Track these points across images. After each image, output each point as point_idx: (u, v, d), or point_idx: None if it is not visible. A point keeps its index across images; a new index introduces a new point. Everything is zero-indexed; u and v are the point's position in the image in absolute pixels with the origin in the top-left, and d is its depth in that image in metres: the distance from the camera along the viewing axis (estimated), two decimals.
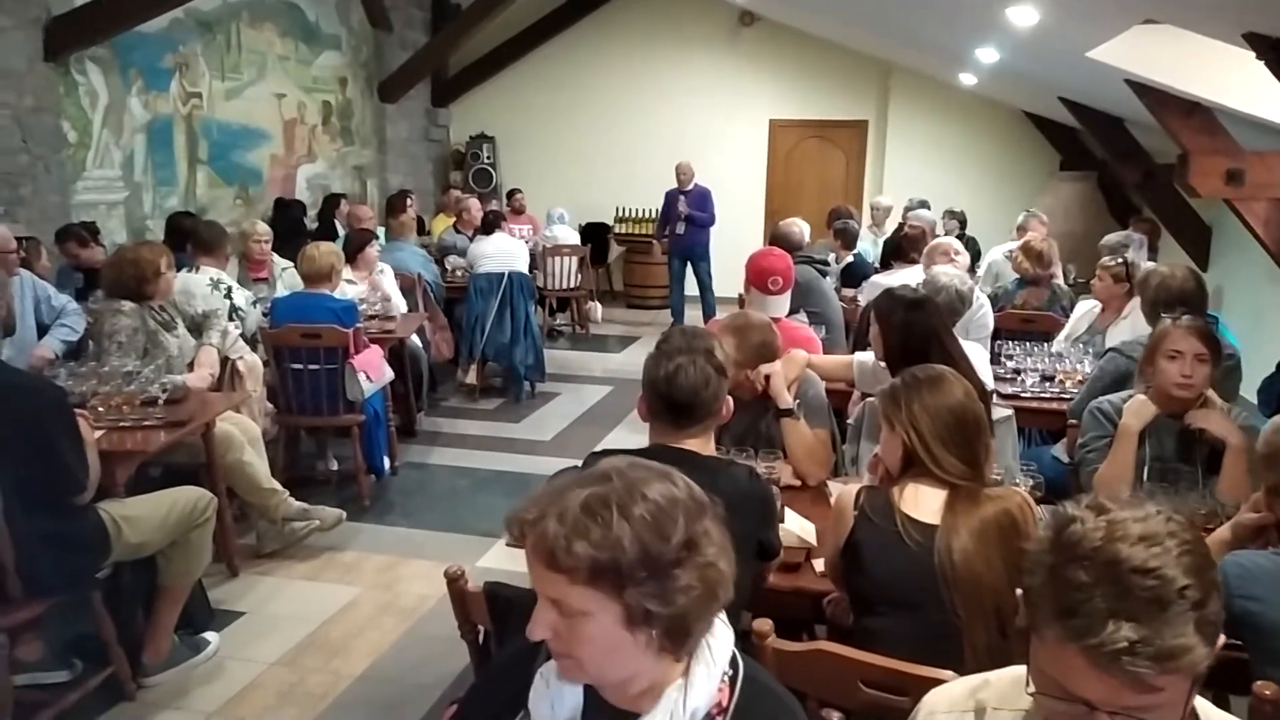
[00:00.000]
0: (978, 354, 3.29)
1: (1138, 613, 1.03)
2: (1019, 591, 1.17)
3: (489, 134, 11.04)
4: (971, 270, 5.80)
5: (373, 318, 5.44)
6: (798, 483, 2.81)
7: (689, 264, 8.89)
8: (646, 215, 10.57)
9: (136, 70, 6.66)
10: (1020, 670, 1.24)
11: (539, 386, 7.10)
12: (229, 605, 3.74)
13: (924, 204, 8.10)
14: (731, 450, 2.65)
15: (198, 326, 4.33)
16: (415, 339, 5.94)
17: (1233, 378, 3.49)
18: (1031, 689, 1.14)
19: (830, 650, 1.78)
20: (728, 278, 7.21)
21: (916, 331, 2.82)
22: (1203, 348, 2.70)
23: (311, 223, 8.15)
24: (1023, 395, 3.88)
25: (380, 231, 7.51)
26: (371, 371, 4.72)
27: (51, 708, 2.86)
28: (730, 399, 2.19)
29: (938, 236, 5.94)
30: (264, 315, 4.98)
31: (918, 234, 5.61)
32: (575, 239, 9.27)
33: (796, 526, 2.39)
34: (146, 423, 3.47)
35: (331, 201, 8.18)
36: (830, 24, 9.28)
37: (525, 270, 7.03)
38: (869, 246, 7.40)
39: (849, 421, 3.11)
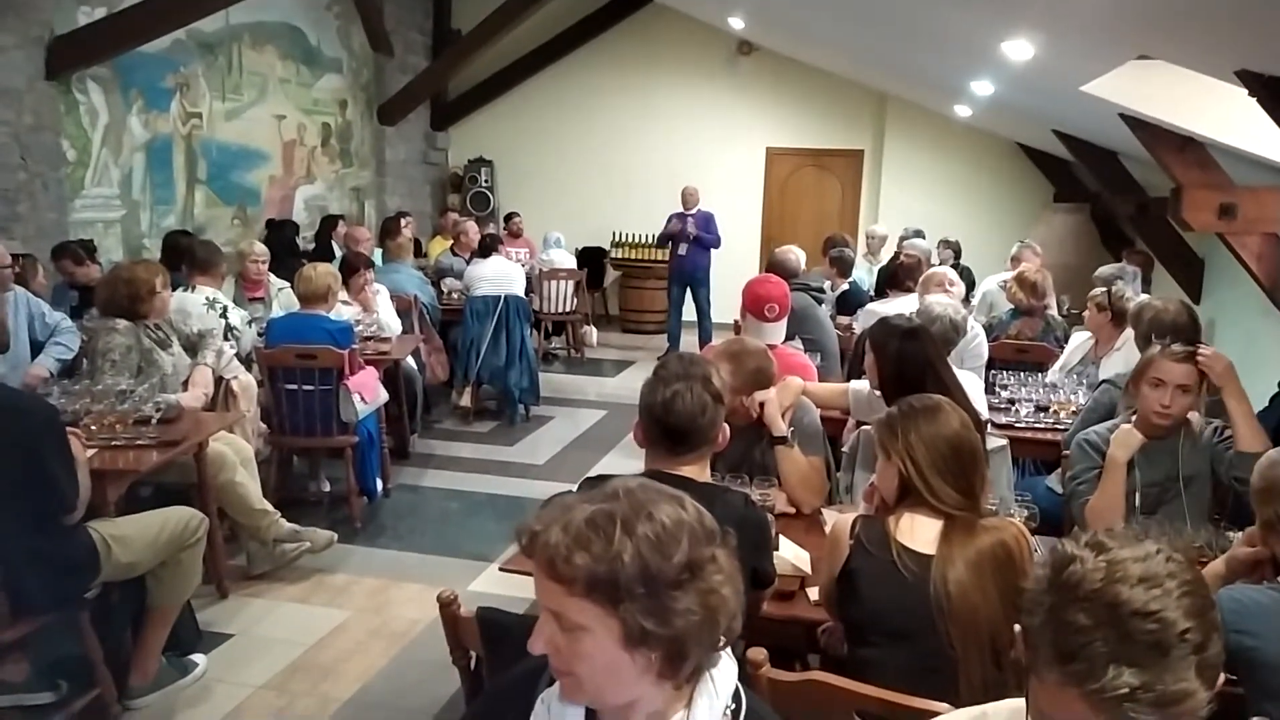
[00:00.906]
0: (972, 383, 3.30)
1: (1139, 657, 1.02)
2: (1017, 629, 1.16)
3: (487, 158, 11.09)
4: (966, 300, 5.83)
5: (368, 339, 5.43)
6: (792, 510, 2.81)
7: (689, 289, 8.92)
8: (643, 240, 10.62)
9: (137, 90, 6.69)
10: (1018, 703, 1.23)
11: (533, 410, 7.09)
12: (218, 627, 3.71)
13: (919, 233, 8.14)
14: (726, 477, 2.65)
15: (193, 346, 4.32)
16: (410, 361, 5.93)
17: (1225, 411, 3.50)
18: None
19: (825, 680, 1.77)
20: (724, 304, 7.24)
21: (911, 360, 2.83)
22: (1187, 377, 2.73)
23: (308, 243, 8.16)
24: (1017, 425, 3.89)
25: (377, 253, 7.53)
26: (366, 393, 4.71)
27: None
28: (726, 426, 2.19)
29: (933, 266, 5.97)
30: (259, 335, 4.97)
31: (913, 263, 5.64)
32: (571, 263, 9.31)
33: (791, 555, 2.38)
34: (139, 442, 3.46)
35: (329, 223, 8.19)
36: (827, 54, 9.38)
37: (521, 293, 7.05)
38: (864, 275, 7.43)
39: (844, 449, 3.12)
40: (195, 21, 6.79)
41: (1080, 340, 4.62)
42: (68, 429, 2.93)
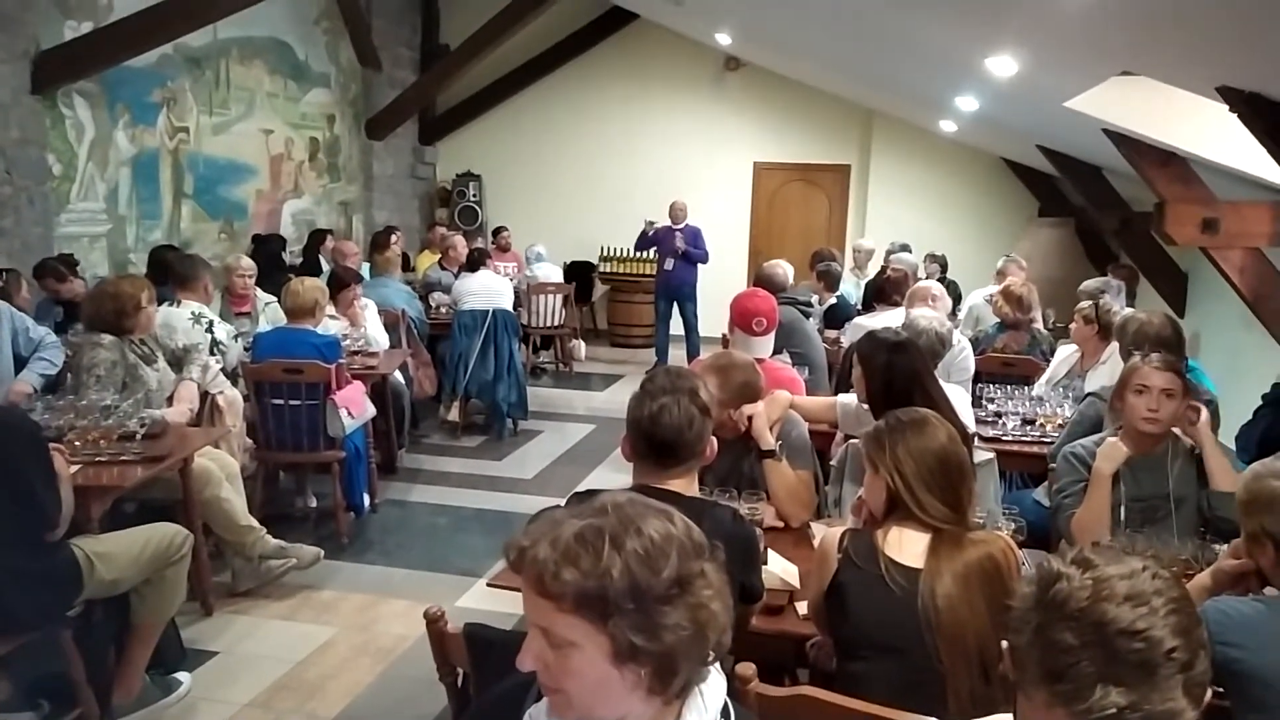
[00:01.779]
0: (959, 397, 3.31)
1: (1126, 677, 1.02)
2: (1005, 645, 1.16)
3: (475, 172, 11.10)
4: (952, 314, 5.86)
5: (355, 353, 5.42)
6: (781, 524, 2.80)
7: (675, 304, 8.93)
8: (631, 254, 10.64)
9: (124, 104, 6.67)
10: (1006, 719, 1.23)
11: (522, 424, 7.08)
12: (202, 644, 3.67)
13: (905, 247, 8.18)
14: (715, 491, 2.64)
15: (178, 360, 4.29)
16: (398, 375, 5.91)
17: (1211, 423, 3.52)
18: None
19: (813, 695, 1.76)
20: (712, 318, 7.24)
21: (899, 374, 2.84)
22: (1170, 383, 2.74)
23: (295, 258, 8.14)
24: (1004, 438, 3.90)
25: (365, 267, 7.51)
26: (353, 407, 4.69)
27: None
28: (714, 440, 2.19)
29: (919, 280, 6.00)
30: (246, 350, 4.95)
31: (900, 277, 5.67)
32: (558, 276, 9.32)
33: (779, 569, 2.38)
34: (123, 458, 3.43)
35: (317, 237, 8.17)
36: (813, 70, 9.44)
37: (509, 308, 7.04)
38: (851, 289, 7.47)
39: (832, 463, 3.12)
40: (182, 36, 6.78)
41: (1066, 354, 4.65)
42: (51, 445, 2.90)
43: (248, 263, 5.71)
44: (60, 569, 2.82)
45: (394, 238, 8.10)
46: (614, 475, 5.76)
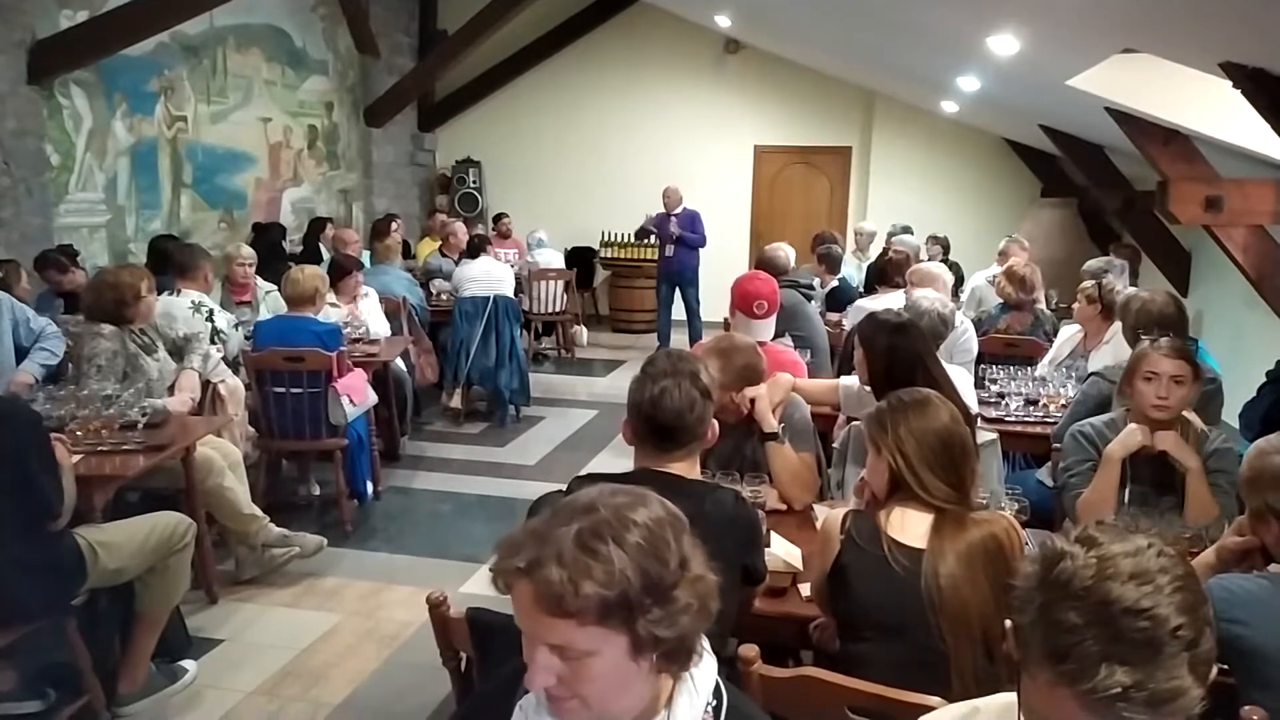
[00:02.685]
0: (962, 378, 3.30)
1: (1130, 656, 1.01)
2: (1008, 624, 1.15)
3: (475, 158, 11.06)
4: (955, 295, 5.84)
5: (356, 341, 5.41)
6: (783, 507, 2.80)
7: (676, 289, 8.92)
8: (633, 240, 10.62)
9: (121, 94, 6.64)
10: (1009, 698, 1.23)
11: (524, 410, 7.08)
12: (207, 633, 3.68)
13: (907, 229, 8.15)
14: (717, 474, 2.63)
15: (179, 350, 4.29)
16: (399, 362, 5.91)
17: (1214, 401, 3.51)
18: None
19: (817, 676, 1.76)
20: (714, 302, 7.22)
21: (901, 355, 2.83)
22: (1179, 370, 2.72)
23: (295, 246, 8.13)
24: (1007, 419, 3.89)
25: (365, 255, 7.50)
26: (355, 395, 4.69)
27: None
28: (715, 422, 2.18)
29: (921, 261, 5.98)
30: (246, 338, 4.94)
31: (901, 259, 5.64)
32: (559, 262, 9.30)
33: (782, 551, 2.38)
34: (125, 447, 3.43)
35: (317, 225, 8.16)
36: (814, 52, 9.38)
37: (510, 294, 7.03)
38: (853, 271, 7.44)
39: (834, 445, 3.11)
40: (179, 24, 6.75)
41: (1069, 333, 4.64)
42: (53, 435, 2.90)
43: (248, 251, 5.71)
44: (64, 559, 2.83)
45: (394, 225, 8.08)
46: (616, 460, 5.76)
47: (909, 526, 1.97)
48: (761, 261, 5.40)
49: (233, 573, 4.12)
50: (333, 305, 5.37)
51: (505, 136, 11.11)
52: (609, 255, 10.90)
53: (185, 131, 7.34)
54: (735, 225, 10.81)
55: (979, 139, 10.16)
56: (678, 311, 8.94)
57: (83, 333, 3.90)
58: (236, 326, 5.00)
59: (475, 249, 7.12)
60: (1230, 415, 3.84)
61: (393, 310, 6.25)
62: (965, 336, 4.33)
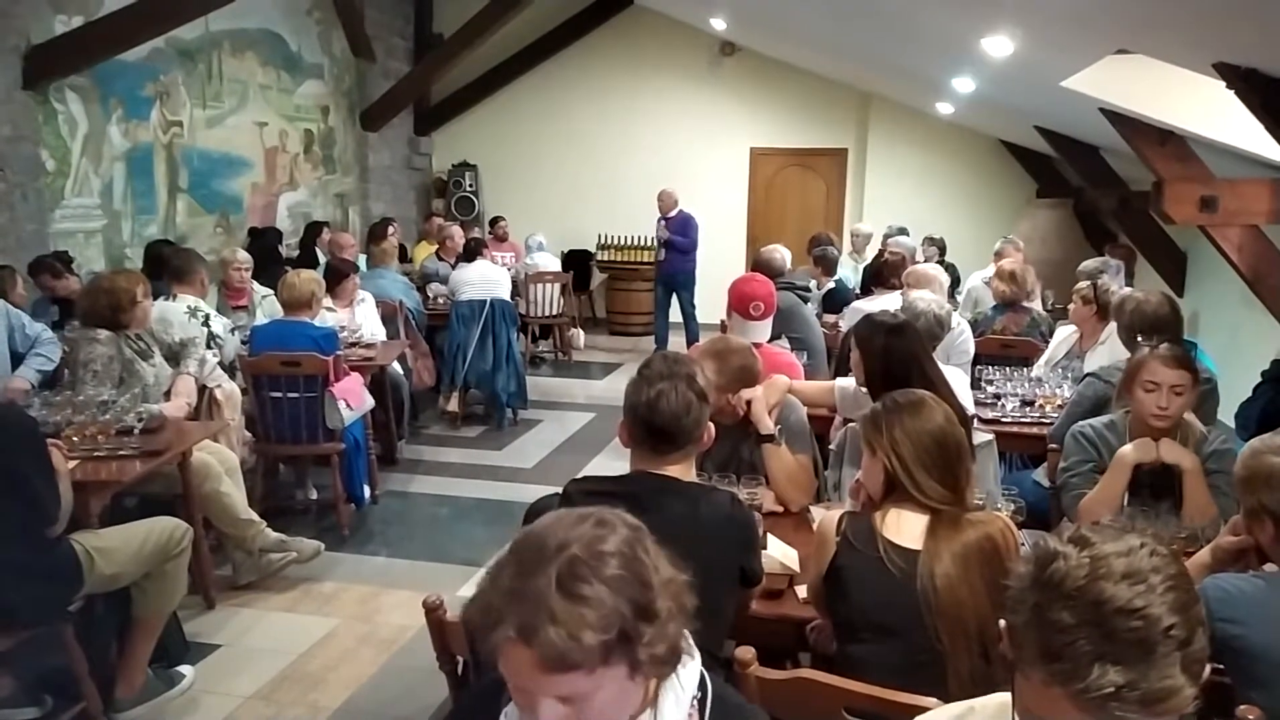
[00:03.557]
0: (958, 379, 3.30)
1: (1123, 655, 1.02)
2: (1003, 624, 1.15)
3: (471, 162, 11.07)
4: (951, 297, 5.85)
5: (353, 345, 5.41)
6: (780, 509, 2.80)
7: (673, 292, 8.92)
8: (629, 242, 10.63)
9: (117, 99, 6.64)
10: (1004, 698, 1.23)
11: (521, 414, 7.07)
12: (204, 638, 3.68)
13: (903, 231, 8.17)
14: (714, 476, 2.64)
15: (175, 355, 4.29)
16: (396, 366, 5.91)
17: (1210, 401, 3.51)
18: None
19: (813, 678, 1.76)
20: (710, 304, 7.24)
21: (897, 357, 2.83)
22: (1180, 379, 2.70)
23: (292, 250, 8.12)
24: (1003, 420, 3.90)
25: (362, 259, 7.50)
26: (352, 399, 4.69)
27: None
28: (712, 425, 2.18)
29: (917, 263, 5.99)
30: (243, 343, 4.94)
31: (898, 260, 5.64)
32: (556, 265, 9.31)
33: (779, 553, 2.38)
34: (122, 452, 3.43)
35: (313, 229, 8.15)
36: (809, 54, 9.40)
37: (507, 297, 7.03)
38: (850, 273, 7.45)
39: (831, 447, 3.11)
40: (174, 29, 6.75)
41: (1065, 334, 4.64)
42: (49, 441, 2.90)
43: (244, 256, 5.71)
44: (60, 564, 2.82)
45: (390, 229, 8.09)
46: (613, 463, 5.76)
47: (904, 528, 1.97)
48: (758, 263, 5.41)
49: (230, 578, 4.11)
50: (329, 309, 5.37)
51: (502, 140, 11.12)
52: (606, 258, 10.91)
53: (181, 136, 7.33)
54: (731, 227, 10.82)
55: (974, 140, 10.17)
56: (675, 314, 8.95)
57: (78, 338, 3.89)
58: (233, 331, 4.99)
59: (472, 252, 7.12)
60: (1226, 415, 3.85)
61: (389, 314, 6.25)
62: (962, 338, 4.34)
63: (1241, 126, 4.38)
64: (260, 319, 5.35)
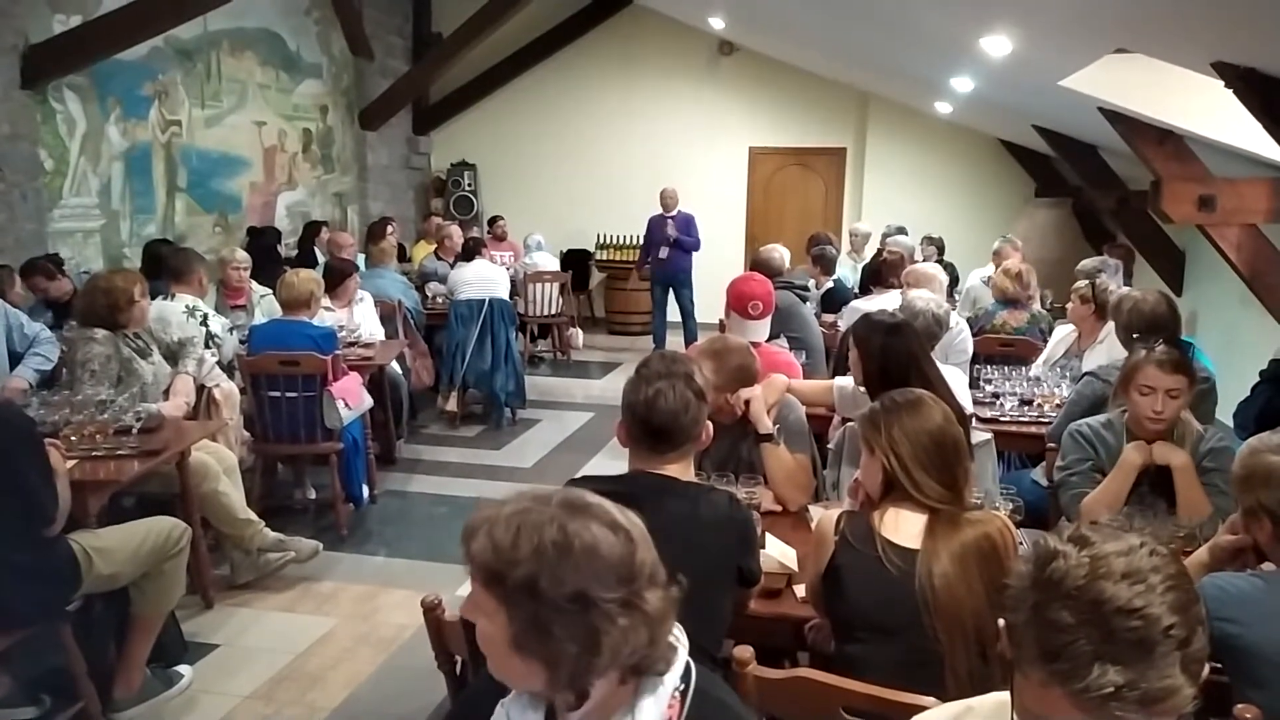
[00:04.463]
0: (957, 378, 3.30)
1: (1123, 655, 1.02)
2: (1001, 624, 1.15)
3: (470, 161, 11.07)
4: (950, 296, 5.85)
5: (352, 344, 5.40)
6: (778, 508, 2.79)
7: (671, 291, 8.91)
8: (628, 242, 10.62)
9: (115, 98, 6.63)
10: (1003, 697, 1.23)
11: (520, 413, 7.07)
12: (203, 637, 3.67)
13: (902, 230, 8.16)
14: (712, 476, 2.64)
15: (173, 354, 4.28)
16: (395, 366, 5.91)
17: (1208, 401, 3.51)
18: None
19: (812, 677, 1.76)
20: (709, 304, 7.23)
21: (895, 356, 2.83)
22: (1176, 384, 2.70)
23: (290, 250, 8.12)
24: (1001, 419, 3.89)
25: (360, 258, 7.49)
26: (350, 399, 4.68)
27: None
28: (710, 424, 2.18)
29: (916, 262, 5.99)
30: (241, 342, 4.94)
31: (896, 259, 5.64)
32: (555, 265, 9.30)
33: (777, 552, 2.38)
34: (120, 452, 3.42)
35: (312, 229, 8.15)
36: (808, 53, 9.40)
37: (506, 297, 7.02)
38: (848, 272, 7.45)
39: (829, 446, 3.11)
40: (172, 28, 6.74)
41: (1063, 333, 4.64)
42: (47, 440, 2.90)
43: (242, 255, 5.70)
44: (58, 564, 2.82)
45: (389, 228, 8.09)
46: (612, 462, 5.76)
47: (903, 527, 1.97)
48: (756, 263, 5.41)
49: (228, 577, 4.10)
50: (328, 309, 5.36)
51: (500, 139, 11.12)
52: (604, 257, 10.91)
53: (179, 136, 7.33)
54: (730, 227, 10.82)
55: (973, 139, 10.18)
56: (673, 313, 8.94)
57: (76, 338, 3.89)
58: (231, 330, 4.99)
59: (470, 252, 7.12)
60: (1224, 414, 3.85)
61: (388, 313, 6.25)
62: (960, 337, 4.34)
63: (1240, 126, 4.38)
64: (259, 318, 5.35)
